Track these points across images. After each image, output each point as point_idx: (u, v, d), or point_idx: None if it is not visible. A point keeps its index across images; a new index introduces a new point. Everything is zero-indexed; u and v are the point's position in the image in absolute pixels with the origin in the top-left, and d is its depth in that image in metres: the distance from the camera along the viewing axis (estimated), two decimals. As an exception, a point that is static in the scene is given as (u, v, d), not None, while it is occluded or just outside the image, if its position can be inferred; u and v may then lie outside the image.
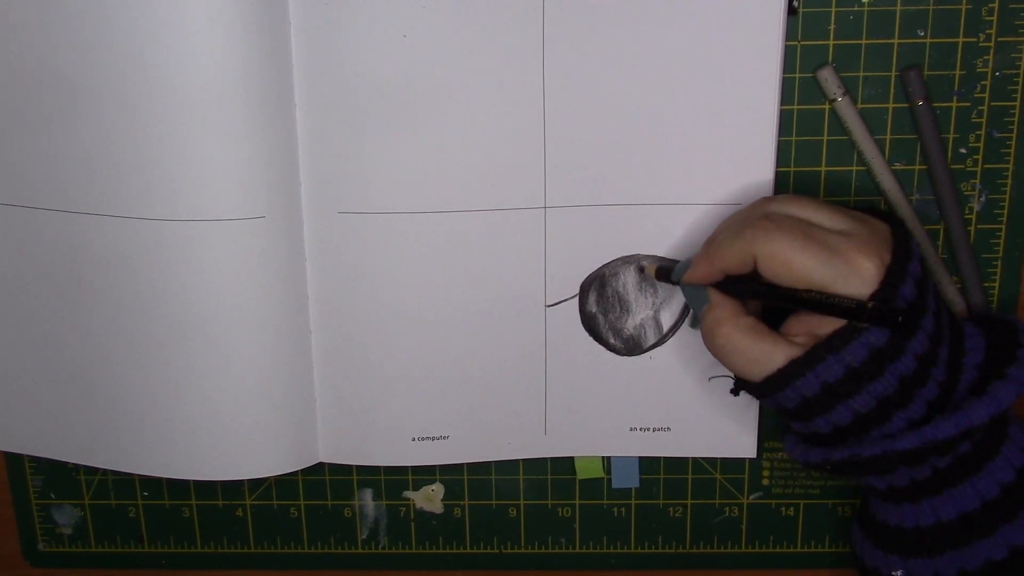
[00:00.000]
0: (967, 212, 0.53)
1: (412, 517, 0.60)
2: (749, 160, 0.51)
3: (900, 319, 0.43)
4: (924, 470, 0.46)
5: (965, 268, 0.53)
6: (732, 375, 0.48)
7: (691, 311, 0.50)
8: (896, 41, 0.50)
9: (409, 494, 0.59)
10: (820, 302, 0.44)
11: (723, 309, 0.47)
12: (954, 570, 0.47)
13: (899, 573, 0.48)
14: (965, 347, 0.47)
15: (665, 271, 0.51)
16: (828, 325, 0.45)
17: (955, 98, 0.51)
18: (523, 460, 0.58)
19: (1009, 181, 0.52)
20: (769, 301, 0.46)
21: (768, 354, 0.45)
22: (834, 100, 0.51)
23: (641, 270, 0.53)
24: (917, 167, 0.52)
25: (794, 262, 0.44)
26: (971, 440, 0.46)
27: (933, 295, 0.46)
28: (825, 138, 0.52)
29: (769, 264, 0.44)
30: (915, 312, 0.44)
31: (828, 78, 0.50)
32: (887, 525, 0.49)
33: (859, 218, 0.46)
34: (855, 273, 0.43)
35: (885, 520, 0.49)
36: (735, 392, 0.49)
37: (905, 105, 0.51)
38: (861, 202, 0.53)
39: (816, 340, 0.45)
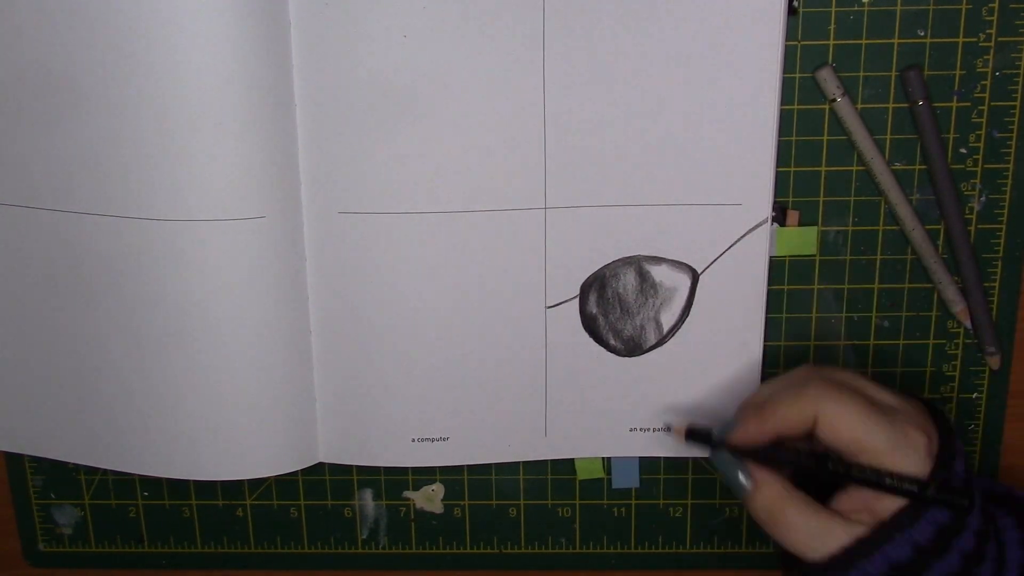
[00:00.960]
0: (967, 212, 0.53)
1: (412, 517, 0.60)
2: (749, 160, 0.51)
3: (967, 502, 0.43)
4: None
5: (965, 268, 0.53)
6: (780, 557, 0.46)
7: (728, 476, 0.47)
8: (896, 41, 0.50)
9: (409, 494, 0.59)
10: (881, 481, 0.43)
11: (774, 486, 0.45)
12: None
13: None
14: (998, 525, 0.47)
15: (698, 433, 0.50)
16: (886, 502, 0.44)
17: (955, 98, 0.51)
18: (523, 460, 0.58)
19: (1009, 181, 0.52)
20: (822, 472, 0.45)
21: (828, 531, 0.44)
22: (833, 100, 0.51)
23: (668, 429, 0.53)
24: (917, 167, 0.52)
25: (859, 426, 0.43)
26: None
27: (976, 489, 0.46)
28: (825, 138, 0.52)
29: (833, 425, 0.44)
30: (972, 489, 0.44)
31: (827, 78, 0.50)
32: None
33: (901, 396, 0.46)
34: (910, 445, 0.44)
35: None
36: (785, 571, 0.47)
37: (905, 105, 0.51)
38: (861, 202, 0.53)
39: (875, 518, 0.44)
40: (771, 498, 0.45)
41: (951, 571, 0.44)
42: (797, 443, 0.46)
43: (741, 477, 0.47)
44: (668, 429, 0.53)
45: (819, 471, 0.45)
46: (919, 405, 0.47)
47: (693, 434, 0.50)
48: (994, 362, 0.55)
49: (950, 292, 0.53)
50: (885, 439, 0.43)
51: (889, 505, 0.44)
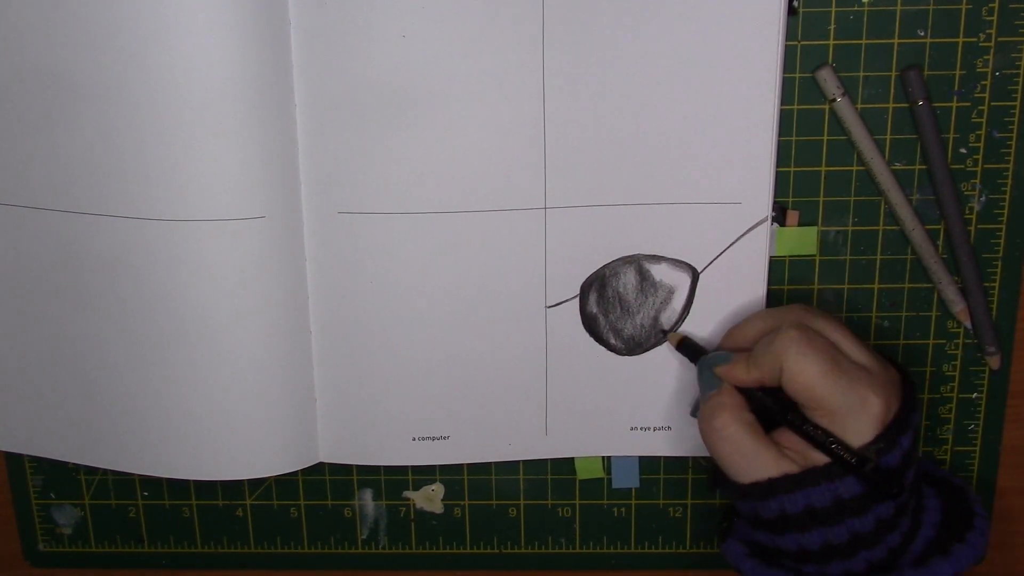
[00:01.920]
0: (967, 212, 0.53)
1: (412, 517, 0.60)
2: (749, 160, 0.51)
3: (895, 491, 0.45)
4: None
5: (965, 268, 0.53)
6: (708, 471, 0.49)
7: (697, 398, 0.51)
8: (896, 41, 0.50)
9: (409, 494, 0.59)
10: (827, 446, 0.45)
11: (730, 397, 0.48)
12: None
13: None
14: (924, 504, 0.50)
15: (689, 347, 0.52)
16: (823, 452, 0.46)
17: (955, 98, 0.51)
18: (523, 460, 0.58)
19: (1009, 181, 0.52)
20: (780, 420, 0.47)
21: (761, 458, 0.46)
22: (833, 100, 0.51)
23: (663, 333, 0.53)
24: (917, 167, 0.52)
25: (816, 383, 0.45)
26: None
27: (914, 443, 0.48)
28: (825, 138, 0.52)
29: (793, 378, 0.46)
30: (903, 480, 0.46)
31: (827, 78, 0.50)
32: None
33: (879, 359, 0.47)
34: (864, 410, 0.45)
35: None
36: (711, 487, 0.50)
37: (905, 105, 0.51)
38: (861, 202, 0.53)
39: (806, 459, 0.46)
40: (721, 405, 0.48)
41: (862, 530, 0.46)
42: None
43: (710, 379, 0.49)
44: (664, 334, 0.53)
45: (779, 417, 0.47)
46: (891, 373, 0.48)
47: (685, 346, 0.52)
48: (994, 362, 0.55)
49: (950, 292, 0.53)
50: (840, 400, 0.45)
51: (824, 455, 0.46)
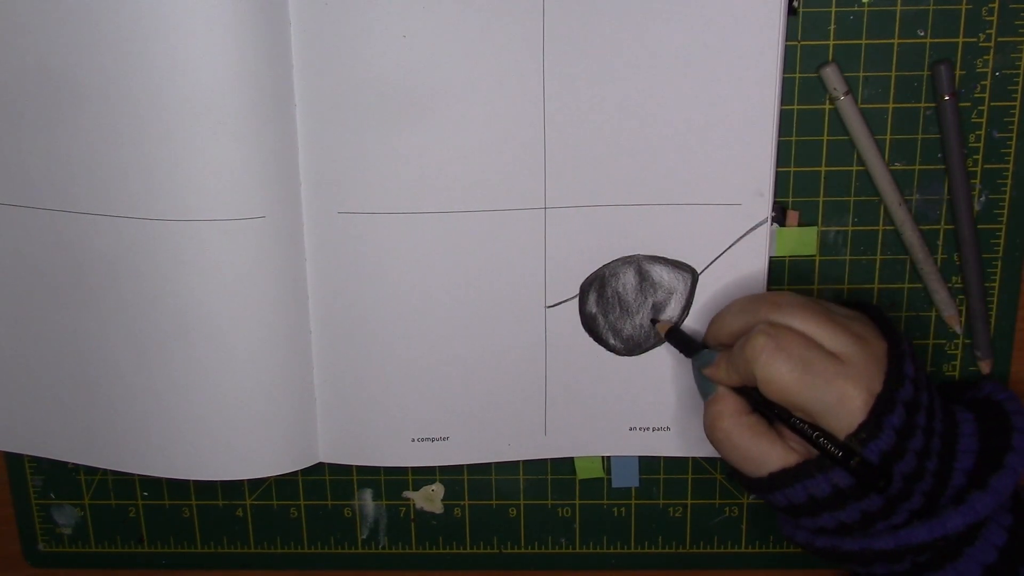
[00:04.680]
0: (967, 212, 0.53)
1: (412, 517, 0.60)
2: (749, 160, 0.51)
3: (881, 484, 0.45)
4: (904, 564, 0.48)
5: (968, 270, 0.53)
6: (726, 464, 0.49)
7: (696, 383, 0.51)
8: (896, 41, 0.50)
9: (409, 494, 0.59)
10: (811, 439, 0.46)
11: (726, 403, 0.48)
12: None
13: None
14: (959, 433, 0.49)
15: (676, 337, 0.52)
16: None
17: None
18: (523, 460, 0.58)
19: (1009, 181, 0.52)
20: (771, 417, 0.48)
21: (764, 455, 0.47)
22: (836, 98, 0.51)
23: (653, 323, 0.53)
24: (917, 167, 0.52)
25: (790, 391, 0.45)
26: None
27: (926, 390, 0.47)
28: (825, 138, 0.52)
29: (767, 388, 0.46)
30: (890, 469, 0.46)
31: (831, 76, 0.50)
32: None
33: (858, 337, 0.47)
34: (844, 407, 0.45)
35: None
36: (729, 479, 0.51)
37: (905, 105, 0.51)
38: (861, 202, 0.53)
39: (809, 451, 0.47)
40: (720, 413, 0.48)
41: (871, 508, 0.46)
42: None
43: (707, 385, 0.50)
44: (654, 323, 0.53)
45: (768, 413, 0.48)
46: (876, 350, 0.47)
47: (672, 335, 0.53)
48: (984, 366, 0.55)
49: (942, 296, 0.53)
50: (816, 401, 0.45)
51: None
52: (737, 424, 0.48)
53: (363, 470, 0.59)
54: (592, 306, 0.53)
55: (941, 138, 0.51)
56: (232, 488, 0.59)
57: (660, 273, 0.53)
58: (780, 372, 0.45)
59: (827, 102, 0.51)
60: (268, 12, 0.48)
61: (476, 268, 0.52)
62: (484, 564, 0.60)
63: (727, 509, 0.59)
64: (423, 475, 0.59)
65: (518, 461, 0.58)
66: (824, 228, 0.53)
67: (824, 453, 0.46)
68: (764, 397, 0.47)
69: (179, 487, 0.60)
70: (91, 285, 0.53)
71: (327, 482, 0.59)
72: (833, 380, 0.45)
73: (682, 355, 0.53)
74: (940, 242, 0.53)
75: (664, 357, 0.54)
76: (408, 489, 0.59)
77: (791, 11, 0.50)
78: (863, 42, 0.50)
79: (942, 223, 0.53)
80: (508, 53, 0.49)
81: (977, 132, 0.52)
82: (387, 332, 0.53)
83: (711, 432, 0.49)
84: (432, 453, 0.56)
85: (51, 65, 0.49)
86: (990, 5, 0.50)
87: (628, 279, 0.53)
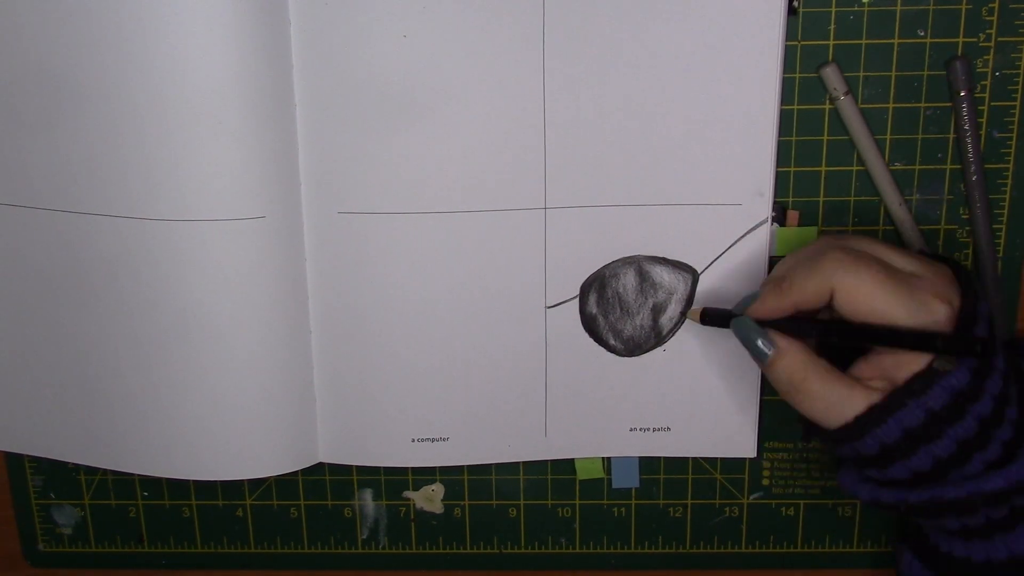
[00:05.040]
0: (965, 212, 0.53)
1: (412, 517, 0.60)
2: (749, 160, 0.51)
3: (979, 348, 0.42)
4: (1003, 509, 0.45)
5: (984, 268, 0.53)
6: (801, 421, 0.47)
7: (749, 344, 0.47)
8: (896, 41, 0.50)
9: (409, 494, 0.59)
10: (898, 337, 0.43)
11: (796, 355, 0.45)
12: None
13: None
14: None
15: (713, 314, 0.50)
16: (904, 368, 0.44)
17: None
18: (523, 461, 0.58)
19: (1009, 181, 0.52)
20: (840, 340, 0.45)
21: (847, 399, 0.44)
22: (836, 98, 0.51)
23: (683, 315, 0.52)
24: (917, 167, 0.52)
25: (876, 296, 0.43)
26: None
27: (996, 336, 0.45)
28: (825, 138, 0.52)
29: (850, 297, 0.44)
30: (990, 344, 0.43)
31: (831, 76, 0.50)
32: (952, 557, 0.48)
33: (924, 261, 0.45)
34: (930, 314, 0.43)
35: (950, 551, 0.48)
36: (806, 439, 0.48)
37: (905, 105, 0.51)
38: (861, 202, 0.53)
39: (893, 385, 0.44)
40: (792, 366, 0.45)
41: (967, 436, 0.44)
42: (817, 314, 0.46)
43: (762, 344, 0.46)
44: (683, 316, 0.52)
45: (839, 339, 0.45)
46: (944, 270, 0.45)
47: (709, 316, 0.50)
48: None
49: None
50: (904, 310, 0.43)
51: (905, 371, 0.44)
52: (811, 373, 0.45)
53: (363, 470, 0.59)
54: (592, 306, 0.53)
55: (956, 136, 0.51)
56: (232, 488, 0.60)
57: (660, 274, 0.53)
58: (864, 279, 0.43)
59: (827, 102, 0.51)
60: (268, 12, 0.48)
61: (476, 268, 0.52)
62: (484, 564, 0.60)
63: (727, 509, 0.59)
64: (423, 475, 0.59)
65: (518, 461, 0.58)
66: (824, 228, 0.53)
67: (916, 344, 0.43)
68: (831, 327, 0.44)
69: (179, 487, 0.60)
70: (91, 285, 0.53)
71: (327, 482, 0.59)
72: (916, 290, 0.43)
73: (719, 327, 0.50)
74: (940, 242, 0.53)
75: (664, 357, 0.54)
76: (408, 489, 0.59)
77: (791, 11, 0.50)
78: (863, 42, 0.50)
79: (942, 223, 0.53)
80: (508, 53, 0.49)
81: (977, 132, 0.52)
82: (387, 332, 0.53)
83: (785, 389, 0.46)
84: (432, 453, 0.56)
85: (51, 65, 0.49)
86: (990, 5, 0.50)
87: (628, 280, 0.53)
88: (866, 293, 0.43)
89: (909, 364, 0.44)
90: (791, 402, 0.46)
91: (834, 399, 0.45)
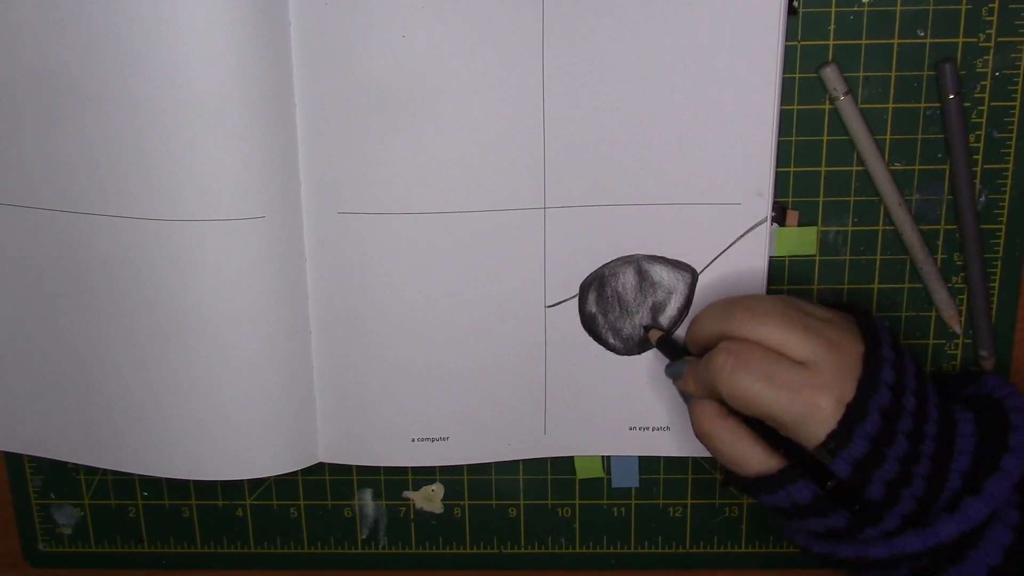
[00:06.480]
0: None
1: (412, 517, 0.60)
2: (749, 160, 0.51)
3: (856, 507, 0.45)
4: (902, 571, 0.47)
5: (972, 269, 0.53)
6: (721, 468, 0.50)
7: (678, 391, 0.52)
8: (896, 41, 0.50)
9: (409, 494, 0.59)
10: (782, 451, 0.47)
11: (705, 406, 0.48)
12: None
13: None
14: (957, 434, 0.47)
15: (668, 346, 0.52)
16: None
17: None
18: (523, 460, 0.58)
19: (1009, 181, 0.52)
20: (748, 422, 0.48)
21: (746, 458, 0.48)
22: (836, 98, 0.51)
23: (646, 330, 0.53)
24: (917, 167, 0.52)
25: (756, 405, 0.45)
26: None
27: (915, 395, 0.46)
28: (825, 138, 0.52)
29: (734, 403, 0.46)
30: (863, 495, 0.46)
31: (831, 76, 0.50)
32: None
33: (831, 344, 0.45)
34: (814, 417, 0.45)
35: None
36: (724, 484, 0.52)
37: (905, 105, 0.51)
38: (861, 202, 0.53)
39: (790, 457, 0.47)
40: (704, 418, 0.48)
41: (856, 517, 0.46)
42: None
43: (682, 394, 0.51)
44: (646, 330, 0.53)
45: (746, 420, 0.48)
46: (849, 352, 0.46)
47: (663, 344, 0.53)
48: (988, 364, 0.55)
49: (942, 296, 0.53)
50: (786, 415, 0.45)
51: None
52: (718, 427, 0.48)
53: (363, 470, 0.59)
54: (592, 306, 0.53)
55: (945, 137, 0.51)
56: (232, 488, 0.60)
57: (660, 273, 0.53)
58: (743, 387, 0.45)
59: (827, 102, 0.51)
60: (268, 12, 0.48)
61: (476, 268, 0.52)
62: (484, 564, 0.60)
63: (727, 509, 0.59)
64: (423, 475, 0.59)
65: (518, 461, 0.58)
66: (824, 228, 0.53)
67: (793, 467, 0.46)
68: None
69: (179, 487, 0.60)
70: (91, 285, 0.53)
71: (327, 482, 0.59)
72: (800, 391, 0.44)
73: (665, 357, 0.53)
74: (940, 242, 0.53)
75: (663, 357, 0.54)
76: (408, 489, 0.59)
77: (791, 11, 0.50)
78: (863, 42, 0.50)
79: (942, 223, 0.53)
80: (508, 53, 0.49)
81: (977, 132, 0.52)
82: (387, 332, 0.53)
83: (696, 434, 0.49)
84: (432, 453, 0.56)
85: (51, 65, 0.49)
86: (990, 5, 0.50)
87: (628, 279, 0.53)
88: (746, 400, 0.45)
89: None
90: (706, 447, 0.49)
91: (735, 456, 0.48)
